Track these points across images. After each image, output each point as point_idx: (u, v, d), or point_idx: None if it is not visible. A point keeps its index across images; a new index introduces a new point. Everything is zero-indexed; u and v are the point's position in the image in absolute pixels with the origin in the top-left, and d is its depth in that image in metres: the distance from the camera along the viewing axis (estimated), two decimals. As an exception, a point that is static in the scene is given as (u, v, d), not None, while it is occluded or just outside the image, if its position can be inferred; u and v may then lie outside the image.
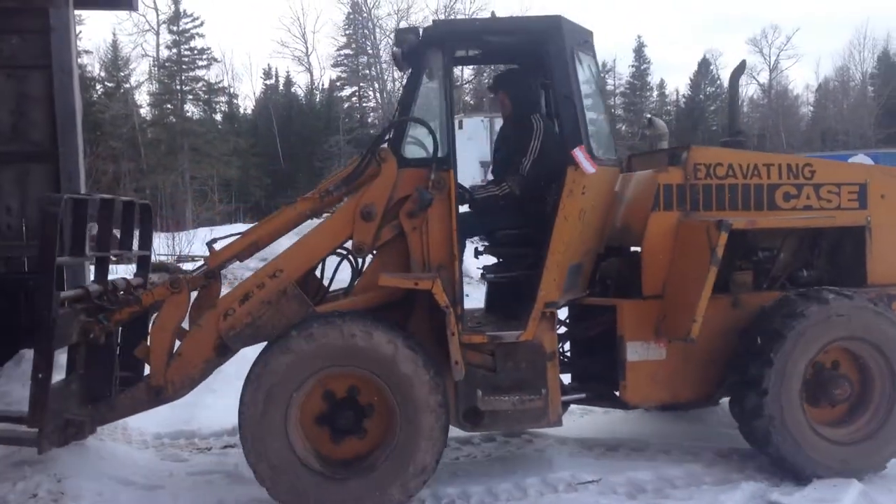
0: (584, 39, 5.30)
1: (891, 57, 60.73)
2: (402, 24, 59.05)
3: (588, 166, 4.80)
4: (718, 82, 61.29)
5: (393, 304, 4.88)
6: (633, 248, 5.48)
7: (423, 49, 4.98)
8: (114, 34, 61.89)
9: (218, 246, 5.03)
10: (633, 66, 62.14)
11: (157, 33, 53.72)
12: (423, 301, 4.78)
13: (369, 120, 63.93)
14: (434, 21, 5.09)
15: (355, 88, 63.20)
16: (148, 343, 4.91)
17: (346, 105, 62.24)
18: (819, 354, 4.97)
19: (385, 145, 4.93)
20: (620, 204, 5.51)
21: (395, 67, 5.86)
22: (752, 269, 5.41)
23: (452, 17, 58.09)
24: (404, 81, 5.32)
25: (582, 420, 6.25)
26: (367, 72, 62.42)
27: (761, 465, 5.06)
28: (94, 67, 53.64)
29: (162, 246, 15.95)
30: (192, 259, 14.94)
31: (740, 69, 6.57)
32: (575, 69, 5.03)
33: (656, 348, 5.19)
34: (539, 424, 5.03)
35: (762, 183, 5.36)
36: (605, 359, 5.30)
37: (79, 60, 16.82)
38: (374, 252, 4.96)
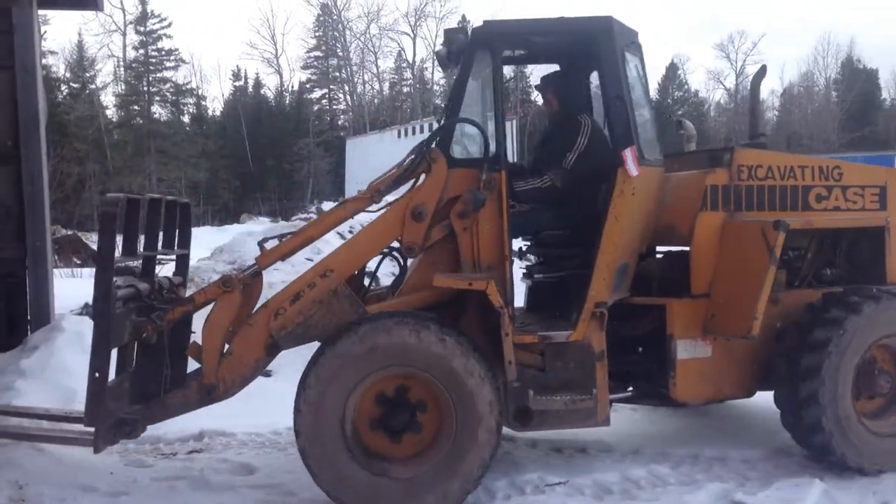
0: (632, 40, 5.35)
1: (854, 63, 61.85)
2: (372, 27, 59.25)
3: (633, 168, 4.83)
4: (686, 87, 62.01)
5: (443, 304, 4.89)
6: (671, 249, 5.68)
7: (471, 49, 5.01)
8: (79, 34, 60.99)
9: (268, 245, 5.12)
10: (602, 69, 62.61)
11: (124, 34, 53.29)
12: (474, 301, 4.79)
13: (339, 122, 63.86)
14: (484, 21, 5.14)
15: (325, 91, 63.05)
16: (198, 342, 4.85)
17: (315, 107, 62.10)
18: (870, 349, 5.17)
19: (434, 145, 4.94)
20: (663, 204, 5.55)
21: (439, 67, 5.87)
22: (785, 269, 5.51)
23: (425, 18, 58.34)
24: (452, 81, 5.38)
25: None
26: (338, 74, 62.36)
27: (726, 466, 5.12)
28: (60, 68, 53.01)
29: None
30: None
31: (761, 73, 6.58)
32: (625, 70, 5.08)
33: (703, 346, 5.31)
34: (587, 424, 5.03)
35: (797, 184, 5.52)
36: (652, 357, 5.37)
37: (43, 61, 16.62)
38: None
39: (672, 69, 61.80)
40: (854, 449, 5.03)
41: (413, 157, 4.95)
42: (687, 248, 5.41)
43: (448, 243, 4.92)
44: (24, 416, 5.29)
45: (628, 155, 4.88)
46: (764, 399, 6.78)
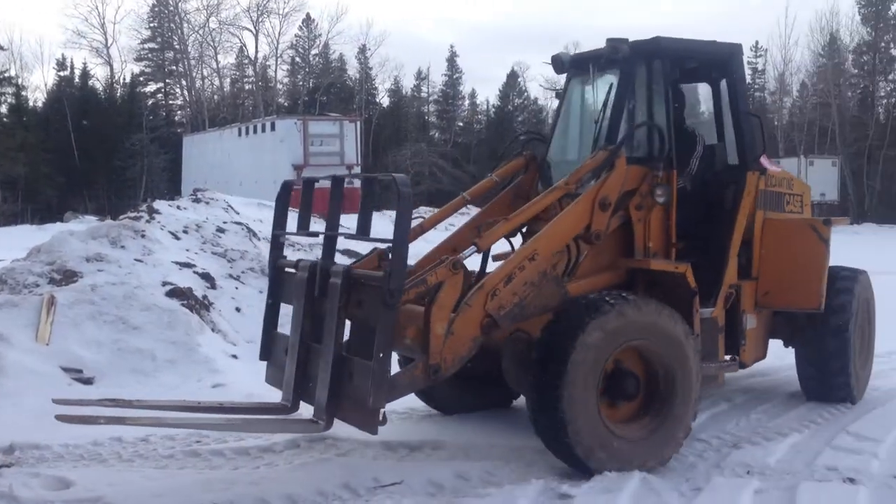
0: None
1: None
2: (212, 20, 57.24)
3: (773, 167, 6.00)
4: (526, 94, 64.06)
5: (620, 285, 5.66)
6: None
7: (633, 60, 5.96)
8: None
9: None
10: (445, 75, 63.59)
11: (-68, 14, 48.74)
12: (644, 282, 5.71)
13: (176, 118, 61.31)
14: (655, 38, 6.03)
15: (161, 84, 60.38)
16: (412, 326, 4.87)
17: (150, 101, 59.26)
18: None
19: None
20: None
21: (553, 69, 6.70)
22: None
23: (267, 14, 57.10)
24: (559, 85, 6.69)
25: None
26: (174, 68, 59.84)
27: (553, 461, 5.30)
28: None
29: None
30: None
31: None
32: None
33: (753, 318, 6.44)
34: (711, 387, 6.01)
35: (782, 192, 6.86)
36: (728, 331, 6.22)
37: None
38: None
39: (512, 77, 63.74)
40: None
41: (608, 153, 5.55)
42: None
43: (615, 232, 5.66)
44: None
45: (765, 160, 6.27)
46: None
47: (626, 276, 5.75)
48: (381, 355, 4.47)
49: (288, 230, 5.69)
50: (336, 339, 4.80)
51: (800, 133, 50.12)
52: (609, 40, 5.90)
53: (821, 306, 6.41)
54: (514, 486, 4.95)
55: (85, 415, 4.74)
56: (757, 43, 55.09)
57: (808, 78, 52.40)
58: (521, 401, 6.72)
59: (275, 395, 5.50)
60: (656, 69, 6.01)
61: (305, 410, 5.09)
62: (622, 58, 5.90)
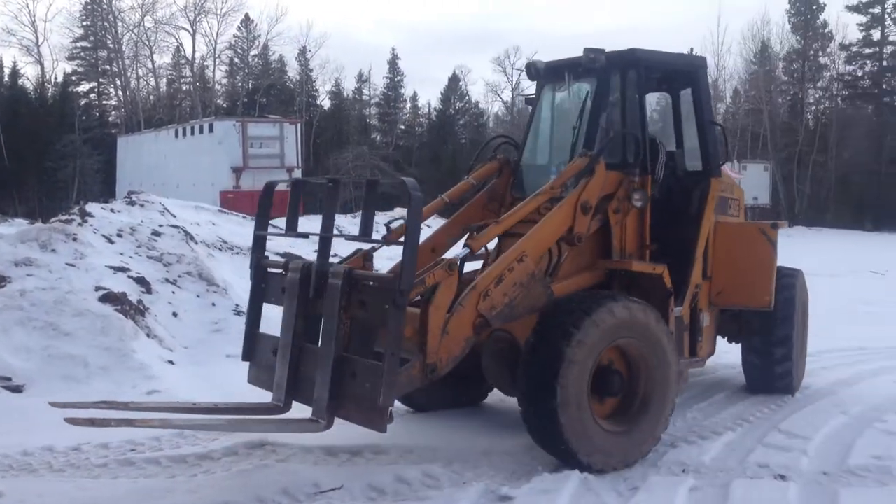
0: None
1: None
2: (147, 19, 56.05)
3: (735, 176, 5.70)
4: (467, 98, 64.26)
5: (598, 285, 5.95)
6: None
7: (609, 69, 6.20)
8: None
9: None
10: (387, 77, 63.45)
11: None
12: (619, 282, 5.97)
13: (110, 118, 59.83)
14: (631, 49, 6.27)
15: (94, 84, 58.86)
16: (409, 326, 4.86)
17: (83, 101, 57.69)
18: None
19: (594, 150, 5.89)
20: None
21: (527, 76, 6.93)
22: None
23: (205, 14, 56.23)
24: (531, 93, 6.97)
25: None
26: (108, 67, 58.39)
27: (493, 461, 5.33)
28: None
29: None
30: None
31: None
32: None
33: (707, 316, 6.75)
34: (678, 384, 6.06)
35: (727, 196, 7.15)
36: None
37: None
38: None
39: (454, 80, 63.88)
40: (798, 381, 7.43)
41: (588, 159, 5.76)
42: None
43: (593, 235, 5.88)
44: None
45: (727, 168, 6.49)
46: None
47: (605, 276, 6.02)
48: (392, 354, 4.55)
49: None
50: (337, 340, 4.88)
51: (733, 138, 51.36)
52: (587, 50, 6.09)
53: (771, 304, 6.89)
54: (455, 489, 4.97)
55: (95, 417, 4.68)
56: (692, 50, 56.00)
57: (741, 84, 53.81)
58: (464, 405, 6.76)
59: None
60: (630, 79, 6.24)
61: (296, 411, 5.12)
62: (599, 67, 6.12)
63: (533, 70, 6.64)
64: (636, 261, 5.98)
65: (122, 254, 9.68)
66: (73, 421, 4.46)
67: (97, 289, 8.24)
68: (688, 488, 5.05)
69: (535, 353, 5.23)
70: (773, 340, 7.24)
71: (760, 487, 5.10)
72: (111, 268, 9.00)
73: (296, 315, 5.15)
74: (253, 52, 61.45)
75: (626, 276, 5.99)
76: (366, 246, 5.65)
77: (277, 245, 12.91)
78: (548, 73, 6.70)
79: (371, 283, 4.95)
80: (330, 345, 4.86)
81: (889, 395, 7.50)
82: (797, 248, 20.73)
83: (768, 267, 6.93)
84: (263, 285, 5.61)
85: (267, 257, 5.81)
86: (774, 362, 7.30)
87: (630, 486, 5.11)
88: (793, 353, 7.32)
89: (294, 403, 5.17)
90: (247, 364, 5.62)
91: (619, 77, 6.28)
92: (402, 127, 64.48)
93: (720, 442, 6.02)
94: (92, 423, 4.53)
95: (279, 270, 5.46)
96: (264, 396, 5.35)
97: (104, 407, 5.07)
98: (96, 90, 58.87)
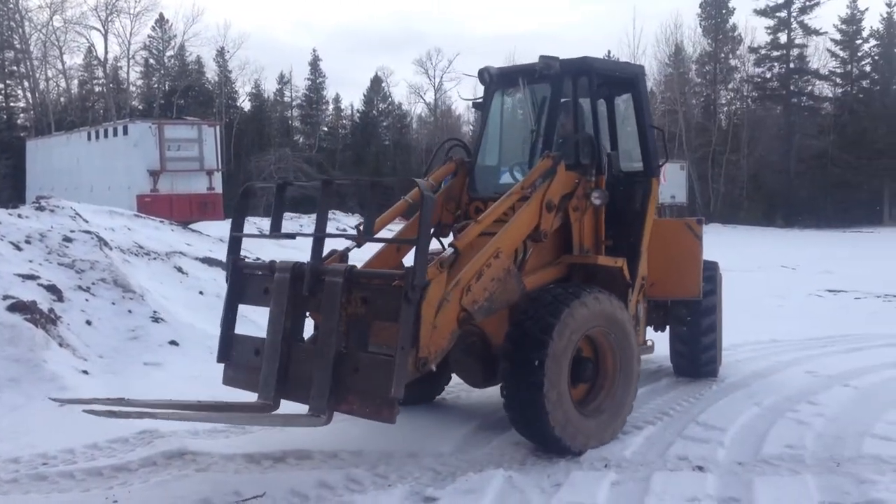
0: None
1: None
2: (56, 19, 54.14)
3: (663, 179, 6.26)
4: (390, 99, 64.15)
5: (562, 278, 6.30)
6: None
7: (561, 76, 6.54)
8: None
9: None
10: (309, 79, 62.81)
11: None
12: (580, 275, 6.36)
13: (19, 121, 57.57)
14: (583, 57, 6.63)
15: (1, 86, 56.52)
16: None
17: (-12, 104, 55.36)
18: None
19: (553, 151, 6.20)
20: None
21: (479, 81, 7.13)
22: None
23: (117, 13, 54.64)
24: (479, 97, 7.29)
25: (248, 435, 6.11)
26: (15, 69, 56.16)
27: (419, 462, 5.31)
28: None
29: None
30: None
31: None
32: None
33: (643, 307, 7.05)
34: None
35: None
36: None
37: None
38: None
39: (376, 82, 63.68)
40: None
41: (552, 160, 6.03)
42: None
43: (555, 232, 6.15)
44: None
45: (661, 169, 6.96)
46: (451, 395, 7.20)
47: (567, 270, 6.39)
48: (403, 348, 4.70)
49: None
50: (337, 336, 4.97)
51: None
52: (542, 57, 6.43)
53: (699, 294, 7.43)
54: (379, 491, 4.94)
55: (114, 409, 4.66)
56: (609, 52, 57.42)
57: (656, 86, 55.22)
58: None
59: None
60: (582, 85, 6.64)
61: (282, 409, 5.20)
62: (554, 73, 6.46)
63: (486, 75, 6.93)
64: (601, 255, 6.36)
65: (31, 261, 9.28)
66: (92, 412, 4.52)
67: (5, 297, 7.88)
68: (610, 483, 5.13)
69: (518, 347, 5.49)
70: (700, 329, 7.77)
71: (680, 479, 5.21)
72: (20, 276, 8.62)
73: (284, 314, 5.22)
74: (169, 53, 60.08)
75: (585, 269, 6.37)
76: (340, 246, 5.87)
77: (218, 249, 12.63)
78: (500, 79, 7.02)
79: (378, 280, 5.09)
80: (329, 342, 4.94)
81: (800, 386, 7.79)
82: (713, 244, 21.33)
83: (696, 260, 7.40)
84: (240, 287, 5.67)
85: (244, 259, 5.83)
86: (701, 350, 7.87)
87: (553, 482, 5.16)
88: (717, 342, 7.93)
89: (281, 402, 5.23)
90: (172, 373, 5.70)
91: (571, 83, 6.65)
92: (325, 129, 63.97)
93: (641, 436, 6.15)
94: (113, 414, 4.54)
95: (261, 272, 5.55)
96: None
97: (102, 403, 5.01)
98: (3, 92, 56.55)
